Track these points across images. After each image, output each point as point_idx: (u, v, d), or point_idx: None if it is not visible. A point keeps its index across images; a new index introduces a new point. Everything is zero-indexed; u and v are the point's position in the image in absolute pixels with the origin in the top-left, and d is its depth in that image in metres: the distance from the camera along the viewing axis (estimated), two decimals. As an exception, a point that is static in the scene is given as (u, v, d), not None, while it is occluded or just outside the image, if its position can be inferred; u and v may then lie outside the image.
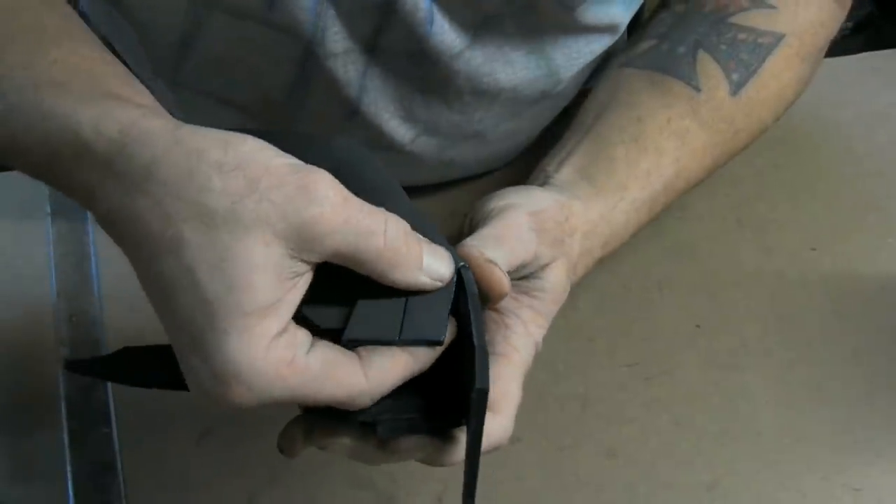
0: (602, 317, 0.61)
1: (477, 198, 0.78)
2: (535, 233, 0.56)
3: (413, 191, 0.76)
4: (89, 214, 0.74)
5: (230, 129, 0.47)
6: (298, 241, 0.43)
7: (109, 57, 0.51)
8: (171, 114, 0.47)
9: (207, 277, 0.42)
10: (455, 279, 0.47)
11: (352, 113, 0.68)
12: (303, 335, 0.44)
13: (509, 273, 0.53)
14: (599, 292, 0.70)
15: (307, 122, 0.70)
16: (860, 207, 0.77)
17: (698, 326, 0.70)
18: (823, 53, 0.74)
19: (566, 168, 0.65)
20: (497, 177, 0.80)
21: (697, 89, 0.68)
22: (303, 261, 0.43)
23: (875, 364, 0.67)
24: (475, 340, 0.46)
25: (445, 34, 0.64)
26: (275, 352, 0.43)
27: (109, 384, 0.66)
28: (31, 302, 0.71)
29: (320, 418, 0.49)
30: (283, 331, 0.43)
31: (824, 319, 0.70)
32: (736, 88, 0.69)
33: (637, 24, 0.79)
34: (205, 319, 0.42)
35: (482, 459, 0.47)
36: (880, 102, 0.85)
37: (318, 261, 0.44)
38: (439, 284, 0.46)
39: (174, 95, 0.71)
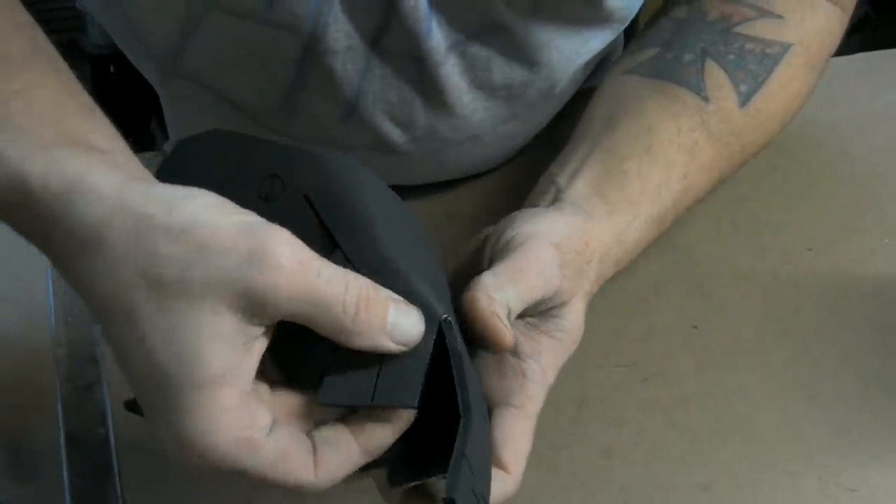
0: (598, 318, 0.61)
1: (474, 198, 0.78)
2: (560, 268, 0.54)
3: (409, 191, 0.77)
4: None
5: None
6: (250, 307, 0.42)
7: (74, 84, 0.50)
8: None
9: (159, 348, 0.41)
10: (435, 336, 0.45)
11: (349, 113, 0.68)
12: (263, 413, 0.44)
13: (528, 308, 0.53)
14: (595, 293, 0.70)
15: (304, 121, 0.70)
16: (856, 208, 0.77)
17: (694, 327, 0.70)
18: (828, 61, 0.74)
19: (579, 182, 0.64)
20: (494, 177, 0.80)
21: (706, 100, 0.67)
22: (256, 325, 0.42)
23: (870, 365, 0.67)
24: (460, 410, 0.44)
25: (445, 33, 0.64)
26: (233, 428, 0.42)
27: (107, 385, 0.66)
28: (29, 302, 0.71)
29: None
30: (243, 403, 0.43)
31: (820, 320, 0.70)
32: (744, 100, 0.68)
33: (632, 33, 0.79)
34: (159, 391, 0.42)
35: None
36: (876, 103, 0.85)
37: (273, 323, 0.43)
38: (403, 349, 0.44)
39: (169, 89, 0.71)
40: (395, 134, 0.71)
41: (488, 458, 0.50)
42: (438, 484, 0.50)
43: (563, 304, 0.55)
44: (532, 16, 0.66)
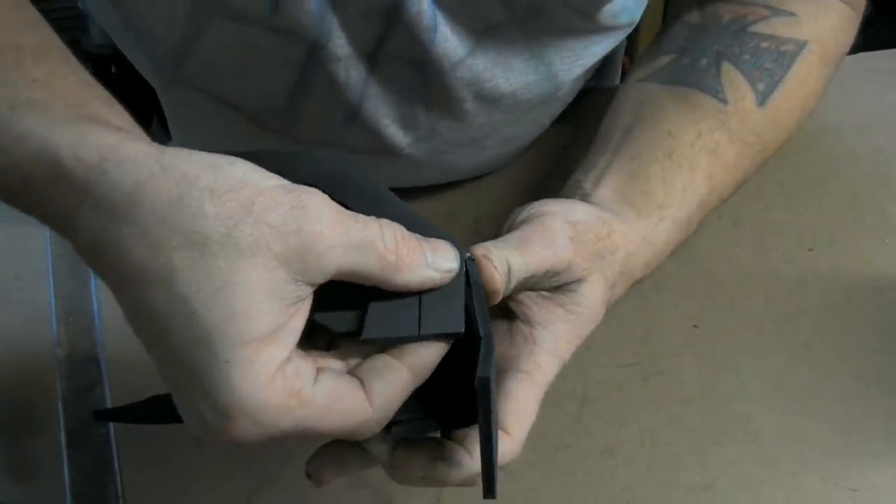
0: (599, 317, 0.62)
1: (476, 199, 0.78)
2: (571, 241, 0.55)
3: (411, 192, 0.77)
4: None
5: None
6: (300, 262, 0.42)
7: (89, 78, 0.50)
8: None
9: (205, 307, 0.41)
10: (464, 270, 0.47)
11: (352, 117, 0.68)
12: (307, 365, 0.43)
13: (536, 277, 0.52)
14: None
15: (307, 126, 0.70)
16: (858, 208, 0.77)
17: (696, 327, 0.70)
18: (842, 59, 0.74)
19: (603, 188, 0.64)
20: (496, 178, 0.80)
21: (724, 102, 0.67)
22: (305, 283, 0.42)
23: (872, 365, 0.67)
24: (480, 331, 0.45)
25: (448, 42, 0.64)
26: (281, 382, 0.42)
27: (107, 385, 0.66)
28: (29, 302, 0.71)
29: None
30: (288, 360, 0.42)
31: (822, 320, 0.70)
32: (762, 99, 0.68)
33: (632, 47, 0.79)
34: (204, 351, 0.41)
35: None
36: (879, 103, 0.85)
37: (321, 282, 0.43)
38: (449, 276, 0.46)
39: (171, 95, 0.71)
40: (397, 137, 0.71)
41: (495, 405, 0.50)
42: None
43: (580, 281, 0.55)
44: (530, 23, 0.66)
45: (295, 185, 0.43)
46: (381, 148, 0.71)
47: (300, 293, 0.42)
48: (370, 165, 0.73)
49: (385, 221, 0.45)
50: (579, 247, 0.55)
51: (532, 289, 0.54)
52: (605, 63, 0.82)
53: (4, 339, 0.69)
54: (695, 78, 0.69)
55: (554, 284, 0.55)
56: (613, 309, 0.61)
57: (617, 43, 0.73)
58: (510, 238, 0.53)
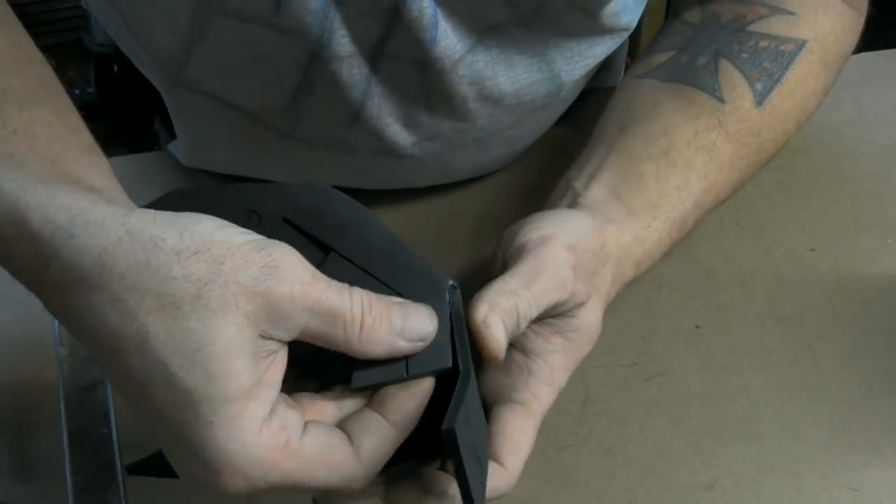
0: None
1: (477, 199, 0.78)
2: (573, 269, 0.54)
3: (411, 193, 0.77)
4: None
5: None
6: (268, 320, 0.42)
7: (75, 123, 0.50)
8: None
9: (183, 370, 0.41)
10: (449, 301, 0.47)
11: (354, 117, 0.68)
12: (294, 416, 0.44)
13: (543, 314, 0.52)
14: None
15: (309, 125, 0.70)
16: (859, 208, 0.77)
17: (697, 327, 0.70)
18: (845, 62, 0.74)
19: (596, 186, 0.63)
20: (497, 178, 0.80)
21: (722, 101, 0.67)
22: (274, 339, 0.43)
23: (874, 365, 0.67)
24: (460, 366, 0.45)
25: (449, 39, 0.64)
26: (267, 436, 0.42)
27: (109, 385, 0.66)
28: (31, 302, 0.71)
29: None
30: (273, 413, 0.43)
31: (823, 320, 0.70)
32: (761, 98, 0.68)
33: (634, 48, 0.79)
34: (187, 414, 0.41)
35: None
36: (880, 103, 0.85)
37: (289, 339, 0.43)
38: (422, 346, 0.46)
39: (174, 96, 0.71)
40: (399, 137, 0.70)
41: (483, 429, 0.50)
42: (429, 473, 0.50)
43: (579, 306, 0.55)
44: (534, 23, 0.66)
45: (268, 242, 0.43)
46: (384, 149, 0.71)
47: (271, 347, 0.43)
48: (372, 166, 0.73)
49: (356, 290, 0.44)
50: (579, 272, 0.55)
51: (536, 321, 0.54)
52: (607, 65, 0.82)
53: (6, 338, 0.69)
54: (692, 76, 0.68)
55: (554, 313, 0.54)
56: (615, 309, 0.61)
57: (617, 45, 0.73)
58: (515, 276, 0.52)
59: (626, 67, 0.94)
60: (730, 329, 0.70)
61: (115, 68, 1.05)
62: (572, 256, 0.55)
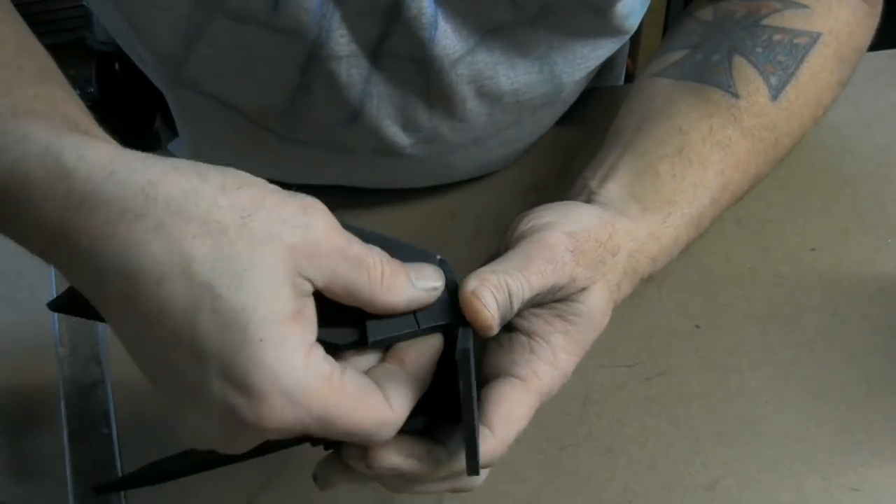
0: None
1: (477, 199, 0.78)
2: (572, 254, 0.54)
3: (411, 192, 0.77)
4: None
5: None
6: (306, 257, 0.43)
7: (84, 106, 0.50)
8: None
9: (231, 290, 0.41)
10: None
11: (353, 118, 0.68)
12: (330, 358, 0.44)
13: (540, 295, 0.52)
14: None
15: (309, 125, 0.70)
16: (859, 208, 0.77)
17: (697, 326, 0.70)
18: (861, 57, 0.73)
19: (611, 184, 0.63)
20: (497, 178, 0.80)
21: (736, 96, 0.67)
22: (309, 281, 0.43)
23: (874, 364, 0.67)
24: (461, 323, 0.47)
25: (448, 39, 0.64)
26: (315, 363, 0.42)
27: (109, 384, 0.66)
28: (32, 301, 0.71)
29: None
30: (314, 345, 0.43)
31: (823, 320, 0.70)
32: (776, 93, 0.67)
33: (635, 49, 0.79)
34: (235, 334, 0.41)
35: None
36: (880, 102, 0.85)
37: (321, 285, 0.44)
38: (435, 294, 0.47)
39: (175, 96, 0.71)
40: (399, 138, 0.70)
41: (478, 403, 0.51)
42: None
43: (582, 290, 0.55)
44: (539, 24, 0.66)
45: (297, 193, 0.44)
46: (383, 149, 0.71)
47: (305, 288, 0.43)
48: (372, 166, 0.73)
49: (372, 246, 0.46)
50: (580, 257, 0.54)
51: (537, 305, 0.54)
52: (608, 65, 0.82)
53: (7, 338, 0.69)
54: (707, 73, 0.68)
55: (556, 297, 0.54)
56: (615, 309, 0.61)
57: (618, 47, 0.73)
58: (510, 258, 0.53)
59: (627, 69, 0.94)
60: (730, 329, 0.70)
61: (117, 67, 1.05)
62: (572, 241, 0.54)
